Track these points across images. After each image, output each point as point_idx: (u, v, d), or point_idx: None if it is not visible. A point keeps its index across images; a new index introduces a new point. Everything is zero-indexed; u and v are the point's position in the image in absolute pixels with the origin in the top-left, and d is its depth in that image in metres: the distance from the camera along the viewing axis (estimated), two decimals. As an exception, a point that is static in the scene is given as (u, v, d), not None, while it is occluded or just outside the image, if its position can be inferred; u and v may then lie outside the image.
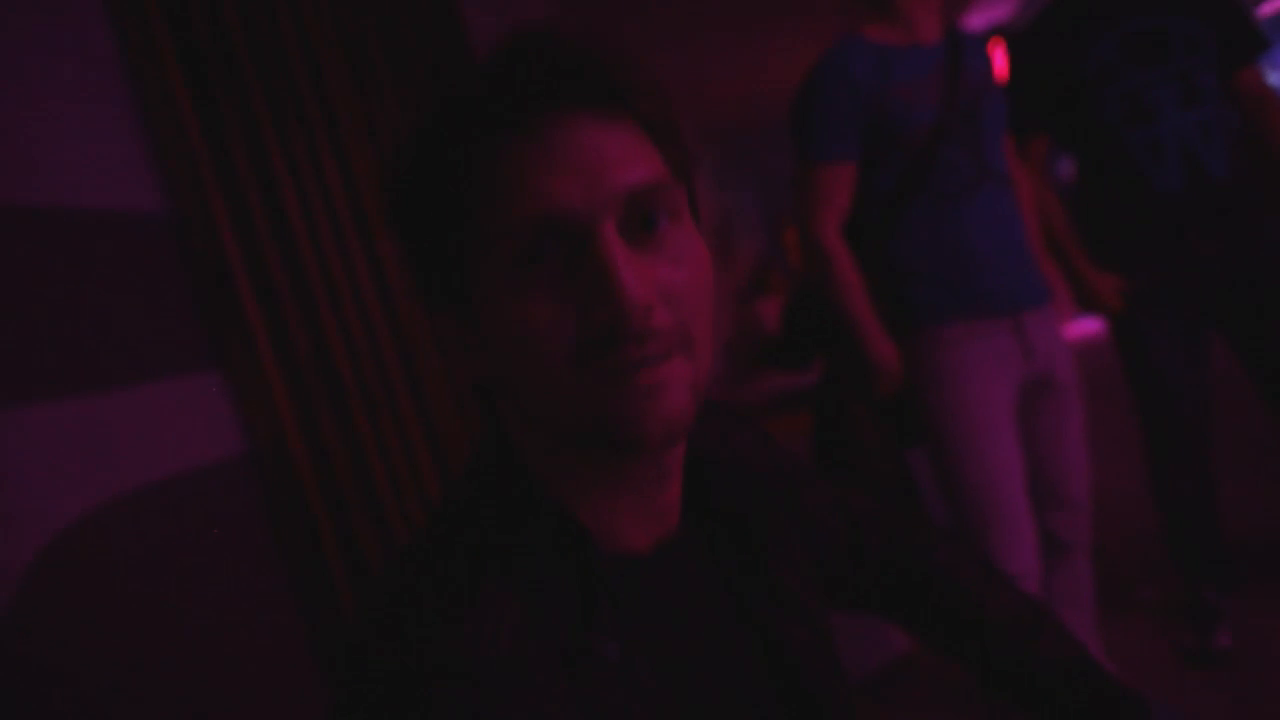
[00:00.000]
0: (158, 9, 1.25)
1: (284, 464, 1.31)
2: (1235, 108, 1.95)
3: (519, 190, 0.50)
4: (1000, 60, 6.65)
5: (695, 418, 0.54)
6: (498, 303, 0.52)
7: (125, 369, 1.14)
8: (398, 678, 0.47)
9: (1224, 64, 1.90)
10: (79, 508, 1.03)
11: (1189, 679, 1.99)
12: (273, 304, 1.34)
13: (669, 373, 0.51)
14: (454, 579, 0.52)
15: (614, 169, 0.51)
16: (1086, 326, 6.59)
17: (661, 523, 0.61)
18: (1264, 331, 1.90)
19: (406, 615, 0.51)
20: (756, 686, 0.63)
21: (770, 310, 5.82)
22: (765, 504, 0.69)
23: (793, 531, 0.71)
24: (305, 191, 1.45)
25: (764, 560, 0.66)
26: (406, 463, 1.54)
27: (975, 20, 6.36)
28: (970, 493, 1.60)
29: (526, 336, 0.51)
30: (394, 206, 0.57)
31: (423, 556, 0.55)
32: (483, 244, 0.52)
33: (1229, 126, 1.90)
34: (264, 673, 1.22)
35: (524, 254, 0.51)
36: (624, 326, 0.49)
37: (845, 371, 1.71)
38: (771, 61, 5.42)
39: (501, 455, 0.60)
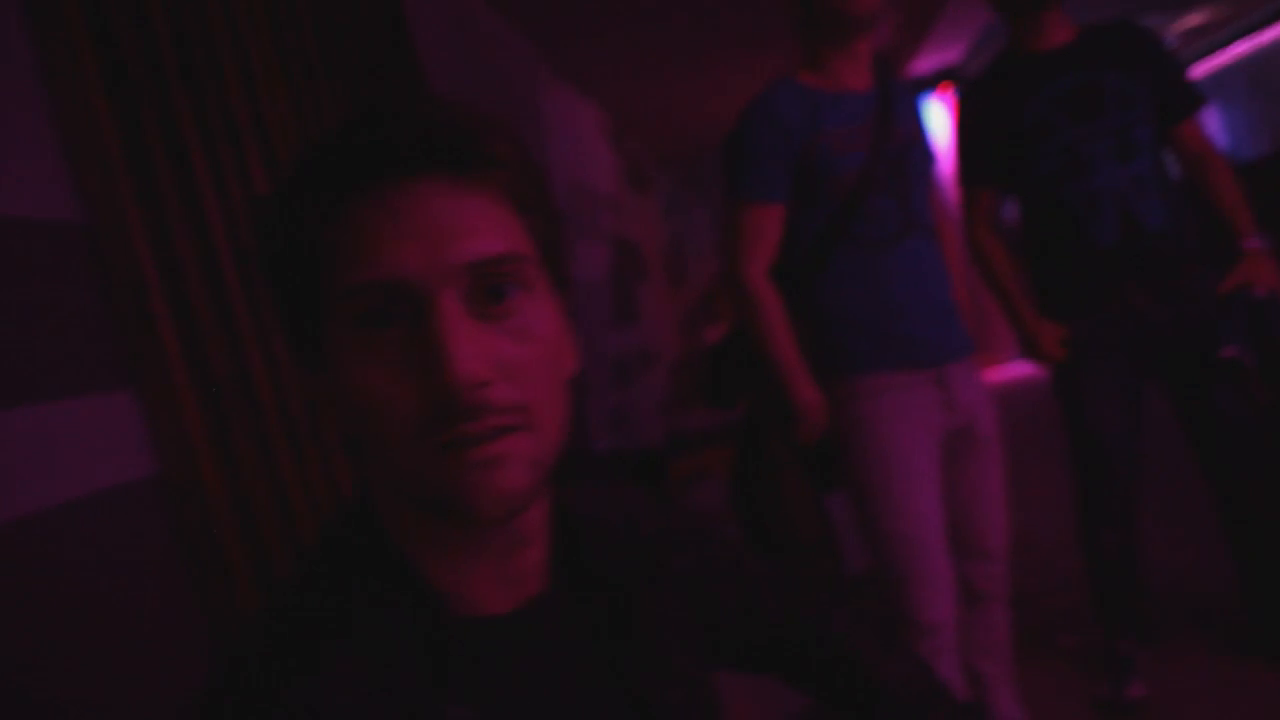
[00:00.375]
0: (78, 8, 1.20)
1: (195, 489, 1.25)
2: (1176, 161, 1.99)
3: (361, 255, 0.50)
4: (946, 104, 6.77)
5: (536, 491, 0.54)
6: (342, 367, 0.52)
7: (29, 385, 1.08)
8: None
9: (1162, 119, 1.95)
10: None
11: (1102, 727, 2.02)
12: (190, 321, 1.29)
13: (505, 448, 0.51)
14: (293, 644, 0.51)
15: (460, 238, 0.51)
16: (1027, 369, 6.76)
17: (521, 586, 0.60)
18: (1197, 385, 1.95)
19: (243, 681, 0.50)
20: None
21: (715, 336, 5.85)
22: (645, 567, 0.68)
23: (675, 594, 0.69)
24: (231, 203, 1.40)
25: (637, 624, 0.65)
26: (330, 494, 1.49)
27: (925, 63, 6.51)
28: (890, 541, 1.61)
29: (367, 404, 0.51)
30: (261, 258, 0.56)
31: (266, 621, 0.54)
32: (330, 306, 0.52)
33: (1164, 180, 1.94)
34: (171, 704, 1.16)
35: (366, 318, 0.51)
36: (456, 402, 0.49)
37: (768, 413, 1.71)
38: (726, 90, 5.48)
39: (362, 514, 0.59)
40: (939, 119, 6.90)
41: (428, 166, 0.51)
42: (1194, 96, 1.98)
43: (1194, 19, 7.52)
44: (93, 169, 1.19)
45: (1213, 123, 9.05)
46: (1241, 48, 8.62)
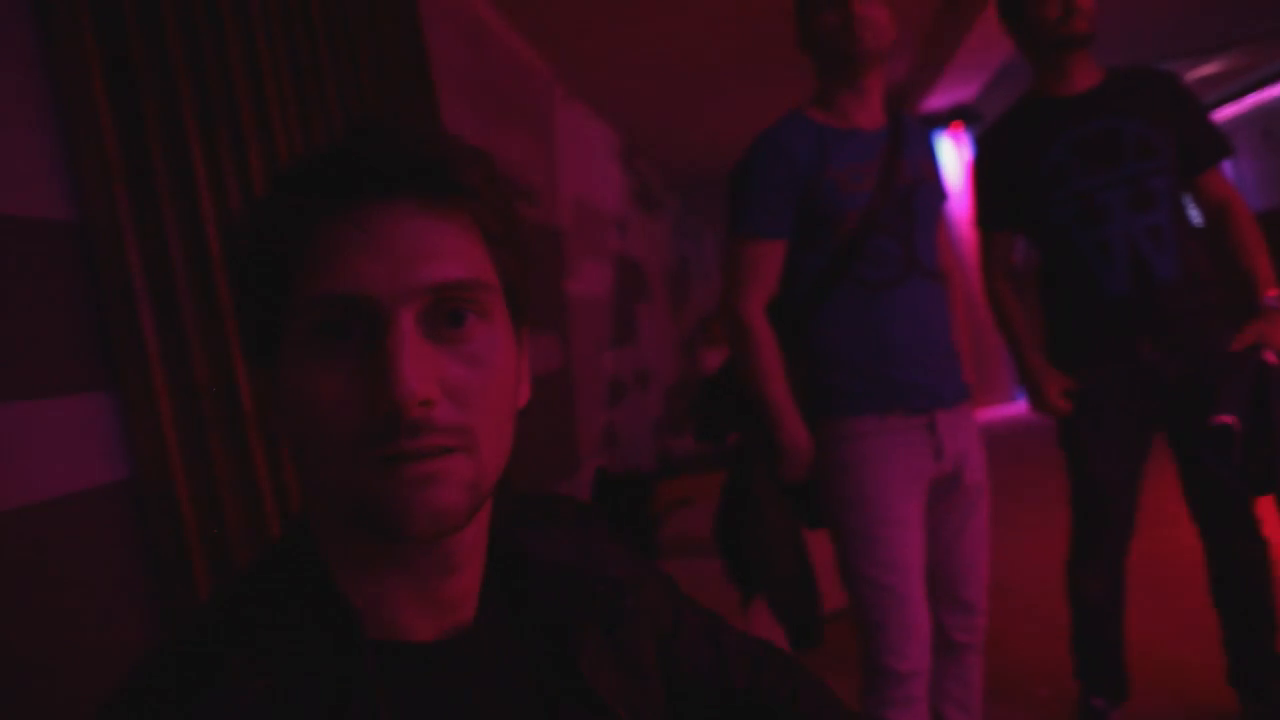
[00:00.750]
0: (87, 6, 1.20)
1: (166, 494, 1.24)
2: (1199, 211, 1.96)
3: (326, 268, 0.52)
4: (957, 143, 6.77)
5: (468, 513, 0.54)
6: (295, 371, 0.53)
7: (6, 383, 1.08)
8: None
9: (1185, 168, 1.92)
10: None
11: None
12: (175, 326, 1.28)
13: (442, 467, 0.52)
14: (194, 657, 0.52)
15: (424, 261, 0.53)
16: (1024, 409, 6.74)
17: (447, 614, 0.60)
18: (1192, 446, 1.92)
19: (137, 690, 0.51)
20: None
21: (713, 361, 5.84)
22: (591, 608, 0.67)
23: (620, 639, 0.69)
24: (227, 209, 1.40)
25: (575, 665, 0.64)
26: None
27: (938, 100, 6.53)
28: (868, 587, 1.59)
29: (313, 410, 0.52)
30: (229, 260, 0.58)
31: (177, 633, 0.55)
32: (292, 313, 0.54)
33: (1184, 231, 1.91)
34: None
35: (324, 328, 0.52)
36: (399, 416, 0.50)
37: (756, 448, 1.70)
38: (738, 117, 5.50)
39: (298, 530, 0.60)
40: (950, 157, 6.92)
41: (400, 190, 0.54)
42: (1219, 145, 1.95)
43: (1209, 68, 7.55)
44: (91, 170, 1.19)
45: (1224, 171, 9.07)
46: (1255, 99, 8.65)
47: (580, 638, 0.65)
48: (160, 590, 1.24)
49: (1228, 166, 8.75)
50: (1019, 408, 6.82)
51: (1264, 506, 1.95)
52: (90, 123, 1.20)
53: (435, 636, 0.59)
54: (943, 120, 6.93)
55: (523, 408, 0.62)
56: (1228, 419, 1.82)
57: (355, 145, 0.54)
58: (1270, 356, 1.78)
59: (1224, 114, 8.89)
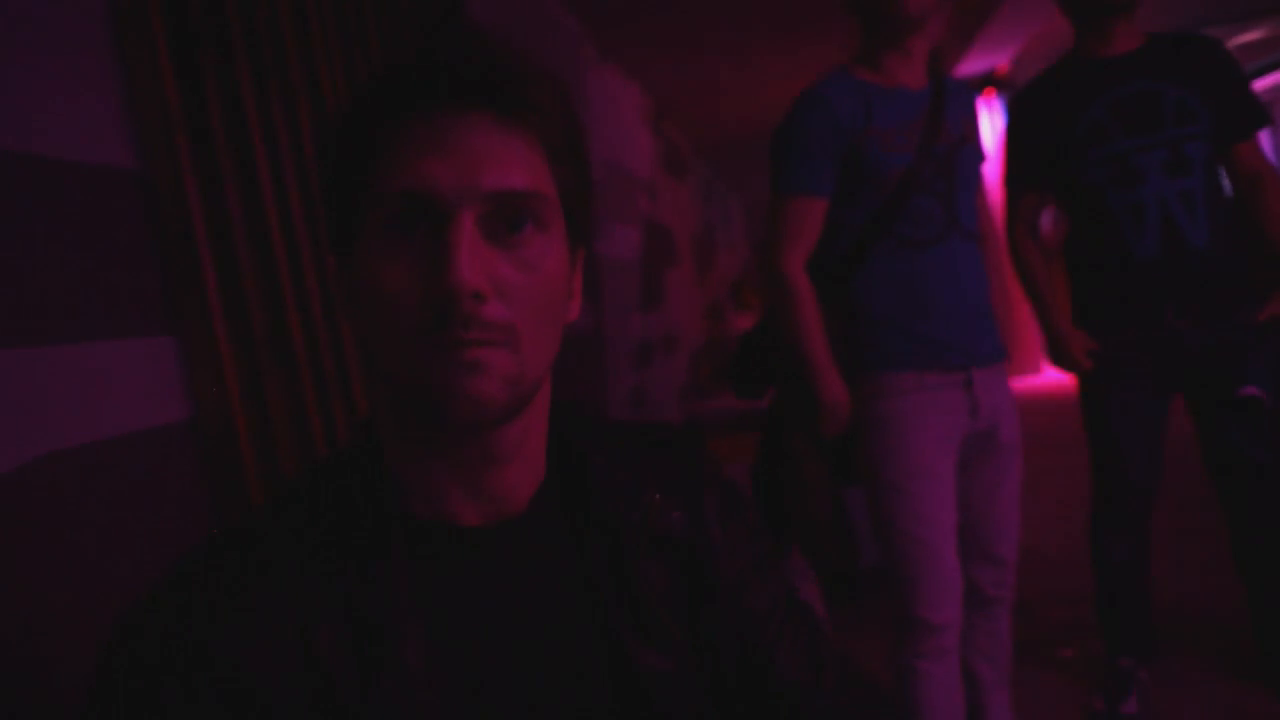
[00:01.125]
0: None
1: (226, 435, 1.30)
2: (1231, 180, 1.95)
3: (401, 166, 0.56)
4: (988, 110, 6.67)
5: (509, 407, 0.58)
6: (366, 262, 0.58)
7: (76, 324, 1.13)
8: (136, 665, 0.53)
9: (1221, 136, 1.90)
10: (8, 463, 1.02)
11: (1094, 740, 2.03)
12: (233, 273, 1.33)
13: (485, 357, 0.56)
14: (237, 536, 0.59)
15: (490, 169, 0.57)
16: (1052, 380, 6.72)
17: (494, 504, 0.64)
18: (1216, 416, 1.93)
19: (179, 567, 0.58)
20: (591, 703, 0.64)
21: (743, 325, 5.86)
22: (643, 520, 0.69)
23: (672, 553, 0.70)
24: (280, 161, 1.44)
25: (635, 582, 0.67)
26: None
27: (971, 66, 6.44)
28: (902, 540, 1.62)
29: (379, 297, 0.57)
30: (322, 153, 0.63)
31: (243, 512, 0.63)
32: (369, 205, 0.58)
33: (1216, 199, 1.90)
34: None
35: (394, 222, 0.57)
36: (451, 305, 0.54)
37: (793, 404, 1.72)
38: (768, 83, 5.46)
39: (361, 429, 0.66)
40: (981, 123, 6.83)
41: (475, 101, 0.58)
42: (1258, 115, 1.93)
43: (1252, 34, 7.37)
44: (153, 119, 1.23)
45: (1264, 142, 8.87)
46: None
47: (634, 541, 0.68)
48: (220, 522, 1.29)
49: (1268, 134, 8.58)
50: (1046, 379, 6.79)
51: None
52: (152, 76, 1.24)
53: (481, 523, 0.64)
54: (975, 87, 6.84)
55: (571, 321, 0.66)
56: (1255, 391, 1.83)
57: (438, 56, 0.58)
58: None
59: (1267, 81, 8.68)
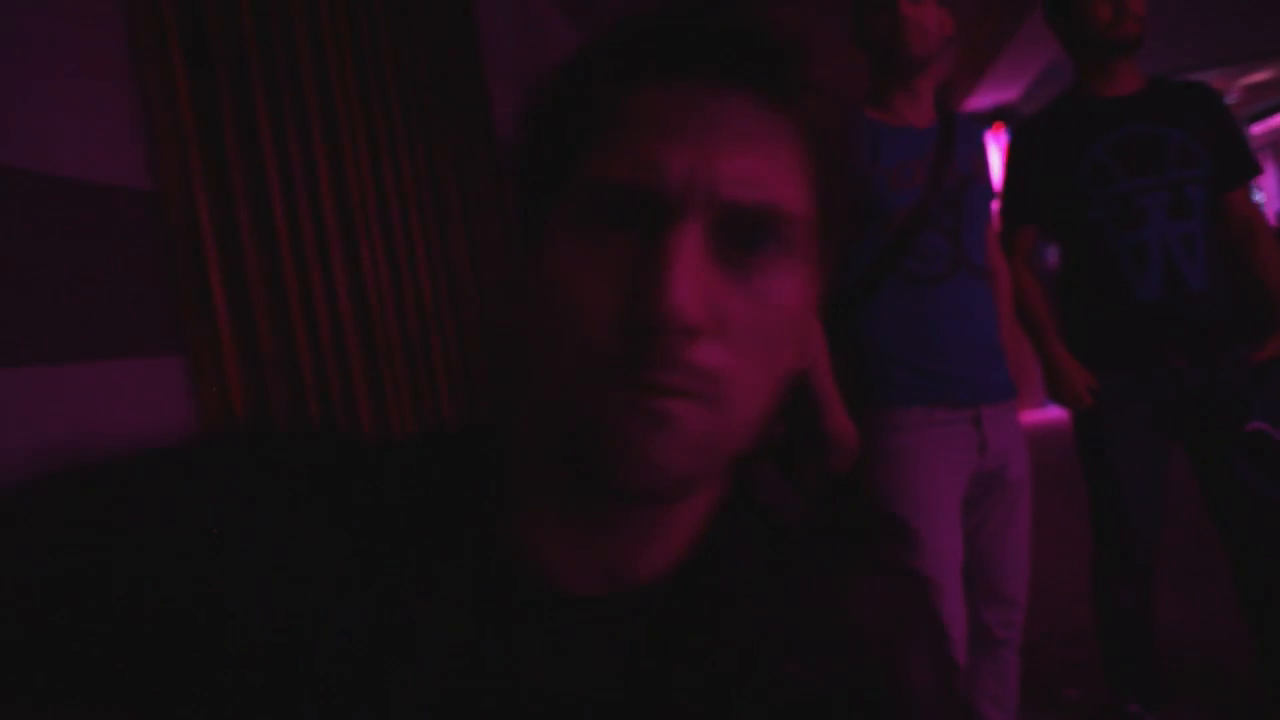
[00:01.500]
0: (170, -12, 1.25)
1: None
2: (1222, 226, 1.99)
3: (624, 148, 0.43)
4: (998, 144, 6.70)
5: (686, 484, 0.44)
6: (555, 257, 0.45)
7: (83, 344, 1.12)
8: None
9: (1216, 183, 1.94)
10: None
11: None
12: (242, 295, 1.33)
13: (680, 411, 0.41)
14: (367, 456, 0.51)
15: (738, 164, 0.43)
16: (1055, 414, 6.68)
17: (605, 576, 0.49)
18: (1221, 454, 1.92)
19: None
20: None
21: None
22: (794, 672, 0.49)
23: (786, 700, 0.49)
24: (292, 184, 1.44)
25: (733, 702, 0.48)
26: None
27: (981, 100, 6.48)
28: (908, 575, 1.61)
29: (560, 308, 0.43)
30: (521, 127, 0.50)
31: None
32: (570, 190, 0.45)
33: (1214, 243, 1.93)
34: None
35: (601, 214, 0.43)
36: (654, 338, 0.41)
37: (801, 438, 1.71)
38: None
39: (484, 431, 0.53)
40: (991, 157, 6.85)
41: (732, 76, 0.44)
42: (1250, 165, 1.99)
43: (1261, 75, 7.42)
44: (168, 141, 1.24)
45: (1269, 183, 8.91)
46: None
47: (760, 691, 0.48)
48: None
49: (1274, 175, 8.63)
50: (1049, 413, 6.76)
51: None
52: (167, 97, 1.25)
53: (572, 587, 0.48)
54: (985, 121, 6.88)
55: (794, 374, 0.49)
56: (1264, 426, 1.82)
57: (686, 16, 0.45)
58: None
59: (1273, 123, 8.72)
